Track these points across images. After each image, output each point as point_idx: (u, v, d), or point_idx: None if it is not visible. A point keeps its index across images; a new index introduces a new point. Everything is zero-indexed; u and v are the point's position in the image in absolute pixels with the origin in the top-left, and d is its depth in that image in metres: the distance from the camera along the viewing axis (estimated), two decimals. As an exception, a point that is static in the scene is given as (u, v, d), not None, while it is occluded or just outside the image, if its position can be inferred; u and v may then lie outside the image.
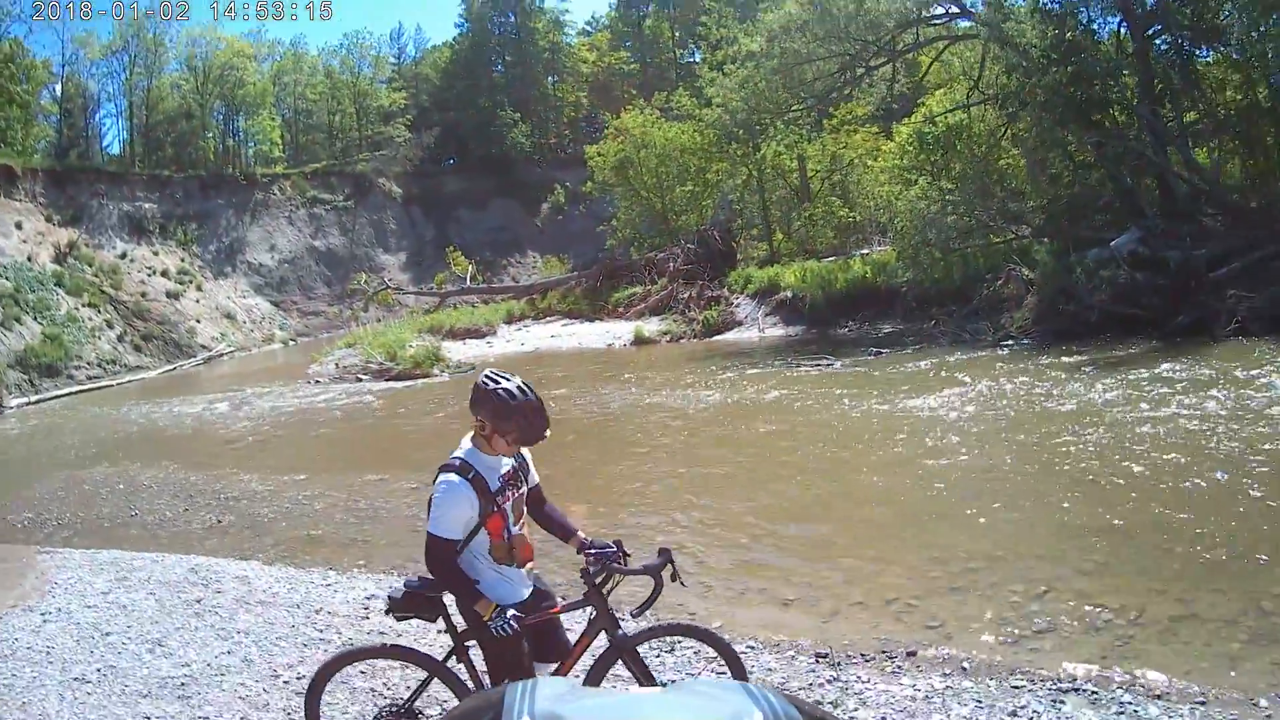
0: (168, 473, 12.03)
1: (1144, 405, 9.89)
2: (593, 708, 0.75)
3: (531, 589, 3.50)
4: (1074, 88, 17.03)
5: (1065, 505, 7.12)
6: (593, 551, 3.40)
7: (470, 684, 3.54)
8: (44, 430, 17.97)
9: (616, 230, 32.86)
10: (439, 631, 3.64)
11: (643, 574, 3.38)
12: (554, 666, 3.52)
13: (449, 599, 3.39)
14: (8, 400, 22.89)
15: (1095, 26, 18.76)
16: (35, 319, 31.57)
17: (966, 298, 17.49)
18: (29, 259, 35.10)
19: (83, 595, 6.34)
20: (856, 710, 4.17)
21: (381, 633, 5.68)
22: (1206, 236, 15.26)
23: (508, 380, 3.26)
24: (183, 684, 4.77)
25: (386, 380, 20.74)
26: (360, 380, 21.22)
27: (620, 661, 3.51)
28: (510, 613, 3.17)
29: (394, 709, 3.63)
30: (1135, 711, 3.88)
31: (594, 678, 3.52)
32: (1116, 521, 6.55)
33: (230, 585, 6.65)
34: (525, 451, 3.51)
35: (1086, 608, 5.10)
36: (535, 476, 3.55)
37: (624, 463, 10.78)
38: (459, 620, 3.43)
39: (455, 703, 3.61)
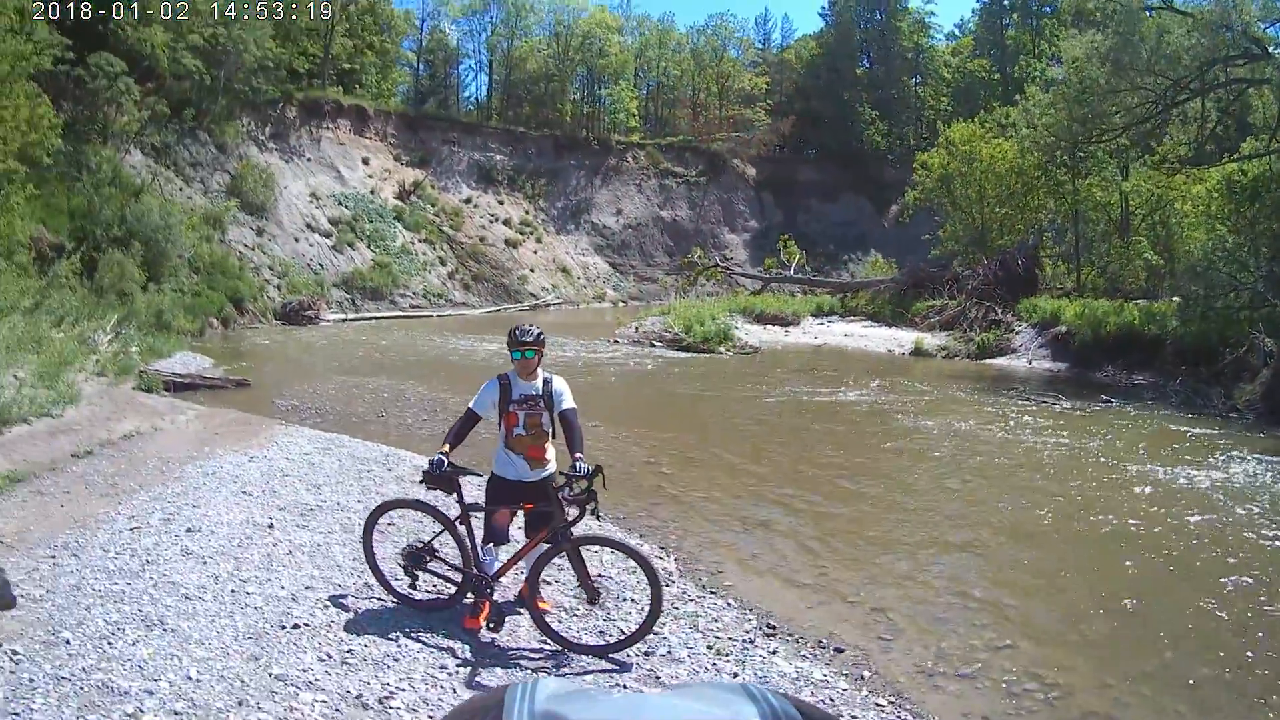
0: (434, 391, 14.84)
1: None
2: (592, 708, 0.78)
3: (535, 479, 5.09)
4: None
5: (1134, 599, 6.23)
6: (564, 472, 4.82)
7: (468, 542, 5.11)
8: (347, 342, 21.55)
9: (943, 241, 32.66)
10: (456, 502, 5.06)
11: (571, 503, 4.77)
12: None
13: (463, 480, 5.04)
14: (325, 313, 27.38)
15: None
16: (369, 246, 35.36)
17: (1217, 359, 16.06)
18: (372, 192, 39.28)
19: (287, 451, 8.92)
20: (732, 667, 4.70)
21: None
22: None
23: (520, 327, 5.13)
24: (310, 509, 6.95)
25: (676, 350, 22.79)
26: (653, 346, 23.47)
27: (565, 555, 4.93)
28: (440, 459, 4.85)
29: (419, 544, 5.27)
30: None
31: (541, 561, 4.99)
32: (1174, 642, 5.61)
33: (404, 469, 8.79)
34: (561, 387, 5.14)
35: (1051, 695, 4.75)
36: (567, 403, 5.10)
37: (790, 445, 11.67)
38: (468, 496, 5.08)
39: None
